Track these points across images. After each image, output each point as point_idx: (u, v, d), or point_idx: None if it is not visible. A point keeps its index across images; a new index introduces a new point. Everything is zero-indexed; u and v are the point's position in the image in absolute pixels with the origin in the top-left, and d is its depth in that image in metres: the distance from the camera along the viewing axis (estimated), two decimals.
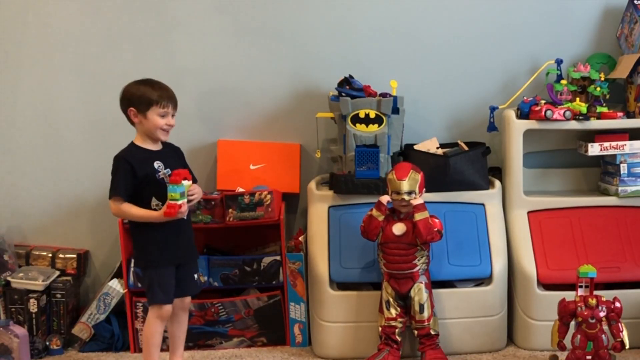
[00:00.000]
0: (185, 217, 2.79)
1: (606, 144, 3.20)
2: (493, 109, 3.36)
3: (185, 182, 2.71)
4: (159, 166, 2.78)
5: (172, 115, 2.81)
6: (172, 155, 2.85)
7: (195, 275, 2.89)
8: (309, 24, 3.45)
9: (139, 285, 3.09)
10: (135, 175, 2.73)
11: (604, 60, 3.41)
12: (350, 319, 3.07)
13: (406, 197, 2.89)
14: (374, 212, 2.93)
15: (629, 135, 3.22)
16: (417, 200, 2.90)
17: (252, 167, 3.44)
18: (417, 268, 2.92)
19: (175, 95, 2.83)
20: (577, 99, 3.25)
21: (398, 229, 2.92)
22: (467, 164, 3.18)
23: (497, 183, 3.26)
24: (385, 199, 2.93)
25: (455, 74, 3.47)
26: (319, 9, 3.44)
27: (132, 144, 2.82)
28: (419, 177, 2.91)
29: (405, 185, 2.89)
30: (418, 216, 2.88)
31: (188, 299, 2.89)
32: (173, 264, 2.80)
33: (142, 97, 2.78)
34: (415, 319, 2.94)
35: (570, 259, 3.08)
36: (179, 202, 2.67)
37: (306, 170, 3.49)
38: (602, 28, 3.45)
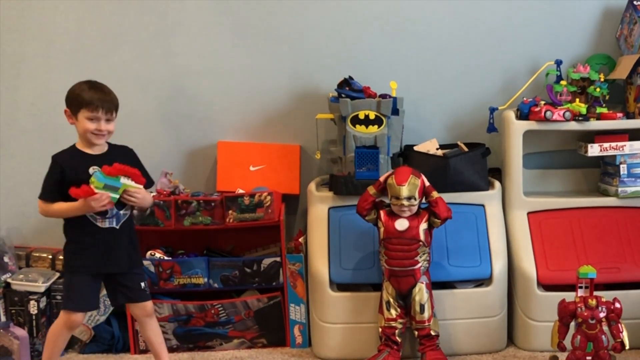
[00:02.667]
0: (116, 225, 2.70)
1: (606, 145, 3.20)
2: (493, 110, 3.36)
3: (125, 180, 2.63)
4: (95, 172, 2.66)
5: (107, 120, 2.69)
6: (118, 159, 2.71)
7: (142, 284, 2.81)
8: (309, 25, 3.45)
9: None
10: (64, 178, 2.66)
11: (603, 61, 3.41)
12: (350, 320, 3.07)
13: (405, 203, 2.89)
14: (370, 188, 2.96)
15: (628, 136, 3.22)
16: (426, 181, 2.92)
17: (252, 168, 3.44)
18: (419, 265, 2.92)
19: (116, 101, 2.72)
20: (577, 99, 3.26)
21: (400, 224, 2.92)
22: (467, 165, 3.19)
23: (497, 184, 3.26)
24: (384, 177, 2.95)
25: (455, 75, 3.48)
26: (318, 10, 3.44)
27: (72, 147, 2.75)
28: (418, 182, 2.91)
29: (404, 191, 2.89)
30: (435, 194, 2.91)
31: (148, 306, 2.82)
32: (91, 272, 2.71)
33: (75, 97, 2.70)
34: (416, 320, 2.94)
35: (570, 260, 3.08)
36: (97, 190, 2.58)
37: (306, 172, 3.49)
38: (602, 29, 3.45)
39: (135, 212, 2.94)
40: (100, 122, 2.68)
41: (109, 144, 2.79)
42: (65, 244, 2.76)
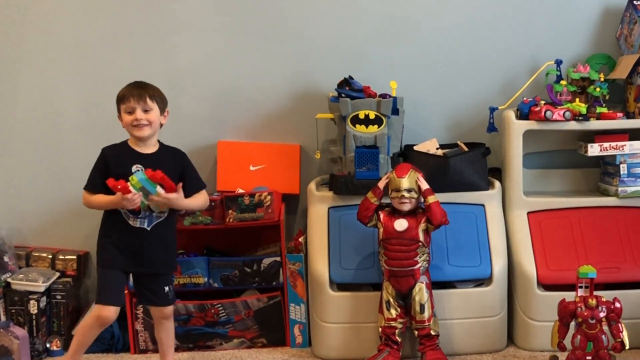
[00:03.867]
0: (147, 227, 2.72)
1: (606, 145, 3.20)
2: (493, 110, 3.36)
3: (160, 190, 2.65)
4: (137, 170, 2.70)
5: (145, 111, 2.73)
6: (166, 161, 2.77)
7: (166, 288, 2.83)
8: (309, 25, 3.45)
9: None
10: (109, 171, 2.70)
11: (603, 61, 3.41)
12: (350, 319, 3.07)
13: (406, 195, 2.90)
14: (369, 194, 2.96)
15: (628, 136, 3.22)
16: (425, 185, 2.91)
17: (252, 168, 3.44)
18: (418, 265, 2.92)
19: (151, 90, 2.76)
20: (577, 99, 3.25)
21: (400, 224, 2.92)
22: (467, 164, 3.19)
23: (497, 184, 3.26)
24: (382, 183, 2.95)
25: (455, 74, 3.47)
26: (319, 10, 3.44)
27: (123, 142, 2.81)
28: (418, 175, 2.92)
29: (404, 183, 2.90)
30: (431, 199, 2.90)
31: (167, 309, 2.86)
32: (123, 268, 2.75)
33: (116, 100, 2.79)
34: (416, 319, 2.94)
35: (570, 260, 3.08)
36: (132, 190, 2.60)
37: (306, 171, 3.49)
38: (602, 28, 3.45)
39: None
40: (136, 112, 2.71)
41: (161, 145, 2.82)
42: (98, 239, 2.79)
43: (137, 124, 2.73)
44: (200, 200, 2.87)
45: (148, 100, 2.74)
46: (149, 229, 2.74)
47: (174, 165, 2.79)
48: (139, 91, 2.74)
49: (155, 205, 2.72)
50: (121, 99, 2.76)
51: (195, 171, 2.89)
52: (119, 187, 2.61)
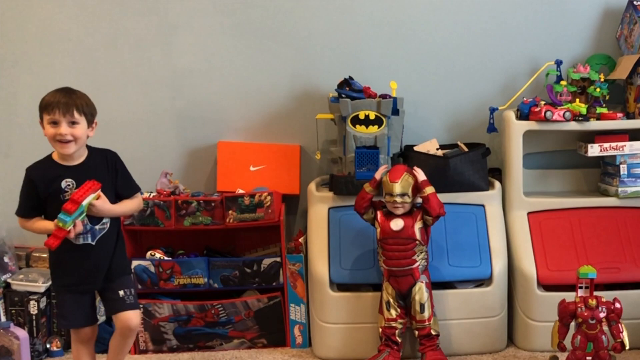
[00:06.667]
0: (91, 241, 2.55)
1: (606, 145, 3.20)
2: (493, 110, 3.36)
3: (86, 202, 2.43)
4: (68, 185, 2.51)
5: (72, 124, 2.46)
6: (97, 168, 2.56)
7: (121, 293, 2.60)
8: (309, 25, 3.45)
9: None
10: (38, 193, 2.51)
11: (603, 61, 3.41)
12: (351, 320, 3.07)
13: (398, 200, 2.90)
14: (365, 185, 2.96)
15: (628, 136, 3.22)
16: (422, 176, 2.91)
17: (252, 168, 3.44)
18: (417, 264, 2.92)
19: (78, 101, 2.49)
20: (577, 99, 3.26)
21: (396, 224, 2.92)
22: (467, 165, 3.19)
23: (497, 184, 3.26)
24: (379, 174, 2.95)
25: (455, 75, 3.47)
26: (318, 10, 3.44)
27: (47, 157, 2.58)
28: (412, 180, 2.92)
29: (397, 188, 2.89)
30: (428, 190, 2.90)
31: (133, 321, 2.60)
32: (75, 292, 2.59)
33: (40, 103, 2.50)
34: (416, 319, 2.94)
35: (570, 260, 3.08)
36: (68, 229, 2.41)
37: (306, 172, 3.49)
38: (602, 29, 3.45)
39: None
40: (61, 126, 2.46)
41: (90, 150, 2.59)
42: (51, 264, 2.65)
43: (60, 139, 2.47)
44: (132, 205, 2.67)
45: (75, 113, 2.47)
46: (94, 243, 2.56)
47: (106, 169, 2.59)
48: (66, 101, 2.46)
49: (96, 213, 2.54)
50: (45, 107, 2.47)
51: (128, 173, 2.66)
52: (60, 237, 2.42)
